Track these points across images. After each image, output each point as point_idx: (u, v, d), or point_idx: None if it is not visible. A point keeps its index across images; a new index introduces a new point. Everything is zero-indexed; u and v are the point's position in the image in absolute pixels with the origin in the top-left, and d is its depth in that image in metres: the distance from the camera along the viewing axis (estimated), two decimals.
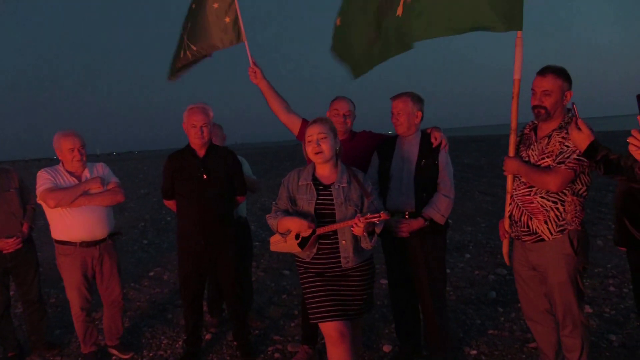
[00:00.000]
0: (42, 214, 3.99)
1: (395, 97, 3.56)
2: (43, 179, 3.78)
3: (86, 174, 3.90)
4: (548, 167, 2.88)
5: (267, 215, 3.10)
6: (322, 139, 2.94)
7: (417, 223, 3.41)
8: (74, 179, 3.84)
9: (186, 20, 4.17)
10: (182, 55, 4.15)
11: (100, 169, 4.02)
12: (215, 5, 3.95)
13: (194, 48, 4.08)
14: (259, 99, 3.91)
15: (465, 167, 16.89)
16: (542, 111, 2.89)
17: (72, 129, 3.89)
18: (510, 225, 3.14)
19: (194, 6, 4.06)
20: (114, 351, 4.16)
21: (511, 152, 3.10)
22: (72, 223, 3.79)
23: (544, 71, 2.89)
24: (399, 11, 3.39)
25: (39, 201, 3.81)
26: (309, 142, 2.97)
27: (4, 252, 3.94)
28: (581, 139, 2.64)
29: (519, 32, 3.02)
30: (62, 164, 3.89)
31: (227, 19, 3.95)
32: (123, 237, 4.21)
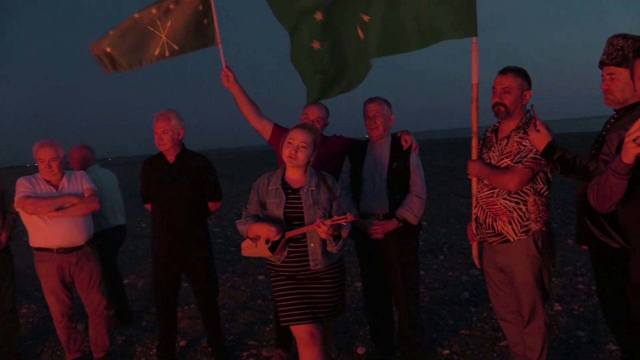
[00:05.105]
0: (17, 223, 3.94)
1: (370, 101, 3.61)
2: (22, 187, 3.78)
3: (64, 182, 3.87)
4: (507, 168, 2.96)
5: (237, 221, 3.13)
6: (302, 147, 2.99)
7: (392, 224, 3.46)
8: (51, 187, 3.82)
9: (164, 19, 4.08)
10: (157, 52, 4.06)
11: (79, 177, 3.97)
12: (200, 8, 3.96)
13: (176, 47, 4.06)
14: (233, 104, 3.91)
15: (441, 169, 17.05)
16: (502, 108, 2.97)
17: (50, 140, 3.84)
18: (476, 228, 3.21)
19: (172, 7, 4.00)
20: None
21: (474, 155, 3.19)
22: (50, 230, 3.77)
23: (504, 70, 3.00)
24: (361, 34, 3.50)
25: (17, 208, 3.80)
26: (289, 144, 3.01)
27: None
28: (539, 139, 2.74)
29: (474, 38, 3.12)
30: (40, 172, 3.87)
31: (205, 21, 3.97)
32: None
